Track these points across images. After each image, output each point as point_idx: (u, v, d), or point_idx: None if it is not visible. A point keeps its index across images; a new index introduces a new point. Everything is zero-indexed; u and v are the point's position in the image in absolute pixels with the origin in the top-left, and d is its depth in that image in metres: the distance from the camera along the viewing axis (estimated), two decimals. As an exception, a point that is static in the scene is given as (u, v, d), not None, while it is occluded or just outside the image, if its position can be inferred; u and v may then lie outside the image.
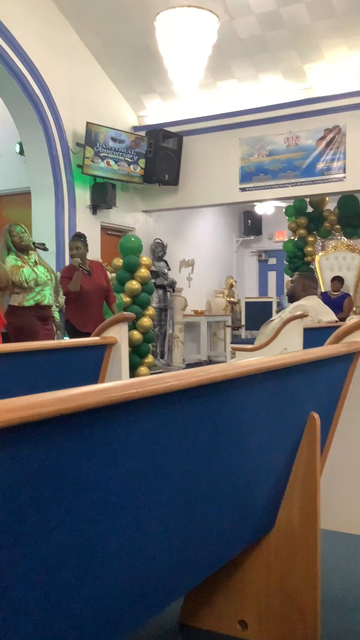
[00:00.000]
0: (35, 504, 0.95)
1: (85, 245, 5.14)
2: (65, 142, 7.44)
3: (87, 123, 7.43)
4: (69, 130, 7.48)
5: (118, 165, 7.81)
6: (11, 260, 4.38)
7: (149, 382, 1.11)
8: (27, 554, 0.95)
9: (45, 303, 4.49)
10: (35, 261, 4.51)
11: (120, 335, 2.48)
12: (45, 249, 4.66)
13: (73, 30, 7.58)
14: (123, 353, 2.45)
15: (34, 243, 4.57)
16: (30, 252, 4.50)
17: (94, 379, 2.32)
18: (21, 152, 7.79)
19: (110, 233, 8.35)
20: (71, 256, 5.20)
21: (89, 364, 2.34)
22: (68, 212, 7.49)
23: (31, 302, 4.42)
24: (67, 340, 3.04)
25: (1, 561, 0.92)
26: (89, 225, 7.66)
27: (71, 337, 4.99)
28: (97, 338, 2.46)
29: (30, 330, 4.36)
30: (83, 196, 7.73)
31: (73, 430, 0.99)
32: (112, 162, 7.75)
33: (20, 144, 7.71)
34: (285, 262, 9.72)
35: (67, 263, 6.61)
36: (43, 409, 0.92)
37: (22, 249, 4.46)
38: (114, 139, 7.75)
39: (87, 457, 1.03)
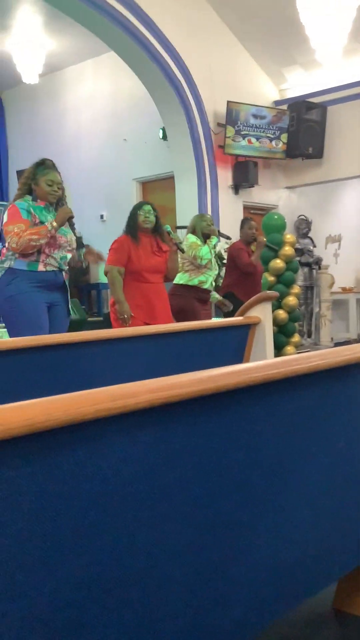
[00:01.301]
0: (179, 483, 0.95)
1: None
2: (207, 123, 7.46)
3: (228, 102, 7.38)
4: (209, 111, 7.48)
5: (260, 142, 7.70)
6: (192, 238, 4.62)
7: (292, 362, 1.07)
8: (173, 532, 0.96)
9: (206, 287, 4.65)
10: (215, 245, 4.71)
11: (264, 315, 2.44)
12: (228, 238, 5.04)
13: (210, 7, 7.53)
14: (267, 332, 2.41)
15: (219, 232, 4.84)
16: (212, 237, 4.68)
17: (239, 359, 2.31)
18: (164, 138, 7.92)
19: (253, 212, 8.27)
20: (250, 235, 5.52)
21: (233, 344, 2.33)
22: (210, 193, 7.52)
23: (195, 282, 4.58)
24: (210, 321, 3.06)
25: (148, 537, 0.93)
26: (231, 205, 7.64)
27: (234, 310, 5.16)
28: (240, 318, 2.44)
29: (192, 311, 4.51)
30: (225, 176, 7.71)
31: (214, 411, 0.98)
32: (253, 140, 7.65)
33: (163, 129, 7.85)
34: None
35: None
36: (183, 389, 0.91)
37: (204, 236, 4.64)
38: (255, 116, 7.64)
39: (228, 438, 1.01)
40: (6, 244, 3.20)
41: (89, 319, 7.83)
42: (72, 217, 3.26)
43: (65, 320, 3.36)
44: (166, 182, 8.14)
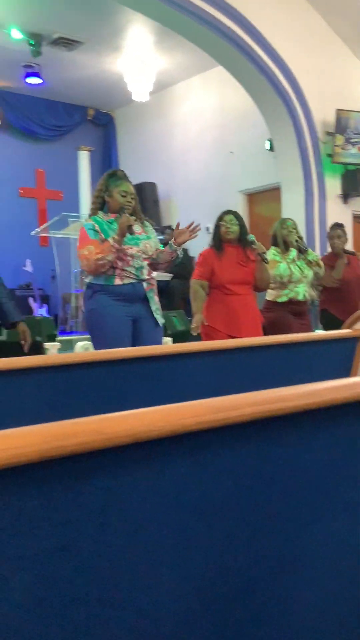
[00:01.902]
0: (282, 500, 0.93)
1: (345, 234, 5.10)
2: (315, 133, 7.34)
3: (337, 110, 7.23)
4: (318, 120, 7.36)
5: (370, 150, 7.47)
6: (270, 254, 4.43)
7: None
8: (272, 550, 0.93)
9: (299, 299, 4.46)
10: (293, 258, 4.48)
11: (374, 328, 2.34)
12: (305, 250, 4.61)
13: (319, 15, 7.43)
14: (377, 346, 2.31)
15: (297, 241, 4.51)
16: (291, 248, 4.49)
17: (344, 375, 2.23)
18: (271, 149, 7.88)
19: (363, 222, 8.02)
20: (331, 245, 5.15)
21: (336, 359, 2.26)
22: (318, 203, 7.38)
23: (284, 299, 4.42)
24: (314, 334, 2.97)
25: (247, 554, 0.91)
26: (340, 215, 7.45)
27: (328, 326, 4.92)
28: (347, 330, 2.36)
29: (284, 325, 4.38)
30: (333, 185, 7.54)
31: (321, 426, 0.95)
32: (363, 148, 7.44)
33: (270, 140, 7.81)
34: None
35: (318, 252, 6.50)
36: (287, 403, 0.89)
37: (286, 243, 4.48)
38: (365, 123, 7.42)
39: (338, 455, 0.97)
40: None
41: (195, 330, 7.85)
42: (130, 225, 3.13)
43: (156, 331, 3.28)
44: (272, 193, 8.08)
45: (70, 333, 7.71)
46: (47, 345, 5.32)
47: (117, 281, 3.15)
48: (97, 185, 3.33)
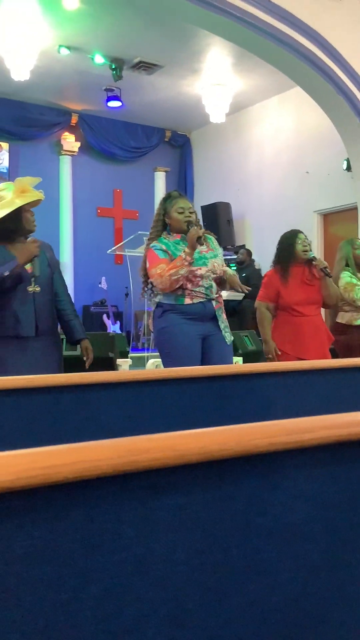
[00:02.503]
0: (355, 527, 0.90)
1: None
2: (394, 152, 7.19)
3: None
4: None
5: None
6: (346, 277, 4.32)
7: None
8: (349, 580, 0.91)
9: None
10: None
11: None
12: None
13: None
14: None
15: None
16: None
17: None
18: (348, 169, 7.78)
19: None
20: None
21: None
22: None
23: (358, 323, 4.30)
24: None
25: (322, 583, 0.89)
26: None
27: None
28: None
29: (357, 348, 4.26)
30: None
31: None
32: None
33: (348, 160, 7.71)
34: None
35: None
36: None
37: (358, 265, 4.36)
38: None
39: None
40: (155, 287, 3.25)
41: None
42: (200, 236, 3.11)
43: (226, 349, 3.26)
44: (349, 214, 7.94)
45: (142, 350, 7.80)
46: (119, 361, 5.40)
47: (187, 300, 3.16)
48: (155, 211, 3.39)
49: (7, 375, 2.57)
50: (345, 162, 7.92)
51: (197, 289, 3.17)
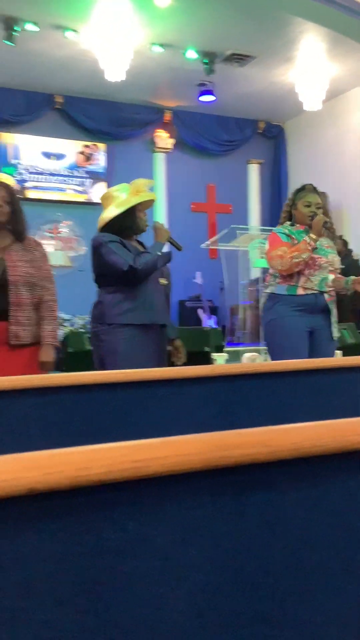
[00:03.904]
0: None
1: None
2: None
3: None
4: None
5: None
6: None
7: None
8: None
9: None
10: None
11: None
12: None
13: None
14: None
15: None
16: None
17: None
18: None
19: None
20: None
21: None
22: None
23: None
24: None
25: None
26: None
27: None
28: None
29: None
30: None
31: None
32: None
33: None
34: None
35: None
36: None
37: None
38: None
39: None
40: (271, 270, 3.27)
41: (366, 344, 7.56)
42: (326, 221, 3.16)
43: (330, 344, 3.26)
44: None
45: (238, 344, 7.77)
46: (214, 355, 5.41)
47: (300, 291, 3.17)
48: (286, 201, 3.43)
49: (133, 362, 2.66)
50: None
51: (313, 278, 3.17)
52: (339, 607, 0.80)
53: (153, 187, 3.27)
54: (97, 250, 2.98)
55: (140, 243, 3.17)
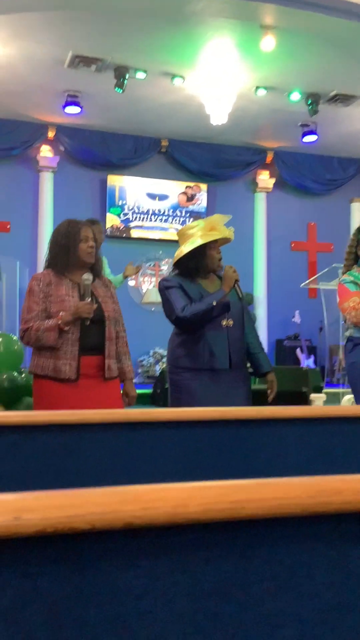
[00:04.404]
0: None
1: None
2: None
3: None
4: None
5: None
6: None
7: None
8: None
9: None
10: None
11: None
12: None
13: None
14: None
15: None
16: None
17: None
18: None
19: None
20: None
21: None
22: None
23: None
24: None
25: None
26: None
27: None
28: None
29: None
30: None
31: None
32: None
33: None
34: None
35: None
36: None
37: None
38: None
39: None
40: (347, 322, 3.20)
41: None
42: None
43: None
44: None
45: (337, 385, 7.55)
46: (312, 396, 5.28)
47: None
48: (349, 242, 3.31)
49: (198, 404, 2.65)
50: None
51: None
52: None
53: (229, 224, 3.13)
54: (160, 294, 3.01)
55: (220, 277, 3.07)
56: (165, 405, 5.01)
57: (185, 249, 2.95)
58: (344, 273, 3.30)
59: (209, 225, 2.97)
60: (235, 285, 2.92)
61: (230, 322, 2.93)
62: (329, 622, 0.71)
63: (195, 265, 2.95)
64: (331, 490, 0.69)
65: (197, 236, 2.94)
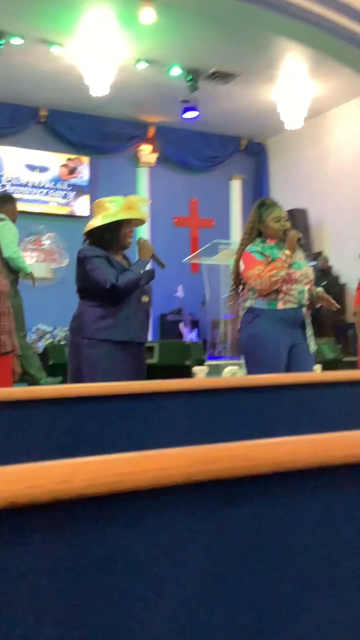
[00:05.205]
0: None
1: None
2: None
3: None
4: None
5: None
6: None
7: None
8: None
9: None
10: None
11: None
12: None
13: None
14: None
15: None
16: None
17: None
18: None
19: None
20: None
21: None
22: None
23: None
24: None
25: None
26: None
27: None
28: None
29: None
30: None
31: None
32: None
33: None
34: None
35: None
36: None
37: None
38: None
39: None
40: (248, 289, 3.27)
41: (344, 358, 7.63)
42: (300, 238, 3.20)
43: (309, 358, 3.28)
44: None
45: (219, 358, 7.79)
46: (195, 369, 5.42)
47: (280, 305, 3.19)
48: (249, 218, 3.42)
49: (111, 378, 2.66)
50: None
51: (291, 293, 3.20)
52: (320, 621, 0.80)
53: (146, 208, 3.20)
54: (82, 263, 2.99)
55: (126, 258, 3.17)
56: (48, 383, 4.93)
57: (101, 220, 3.00)
58: (242, 247, 3.36)
59: (128, 204, 3.05)
60: (154, 256, 3.07)
61: (146, 299, 3.06)
62: (210, 583, 0.74)
63: (110, 237, 2.99)
64: (211, 458, 0.72)
65: (114, 210, 3.01)
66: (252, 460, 0.73)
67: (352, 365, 6.98)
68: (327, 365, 5.78)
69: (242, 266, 3.28)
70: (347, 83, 8.08)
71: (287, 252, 3.16)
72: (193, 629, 0.74)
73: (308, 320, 3.28)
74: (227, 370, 5.64)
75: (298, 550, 0.79)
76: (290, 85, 8.24)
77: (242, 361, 6.50)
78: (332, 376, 2.08)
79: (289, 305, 3.19)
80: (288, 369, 3.16)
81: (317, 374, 3.30)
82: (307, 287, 3.25)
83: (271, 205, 3.34)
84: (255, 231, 3.34)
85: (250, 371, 3.25)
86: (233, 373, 5.39)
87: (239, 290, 3.36)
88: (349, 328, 8.79)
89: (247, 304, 3.27)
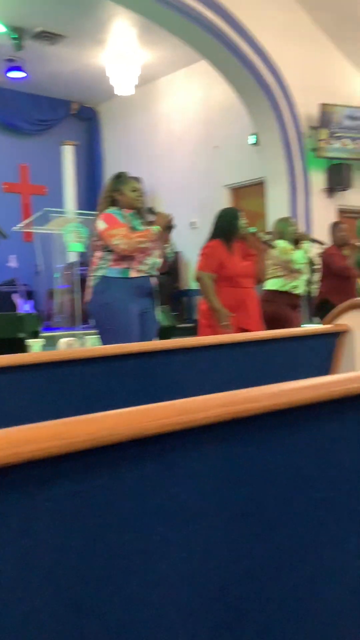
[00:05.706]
0: (250, 502, 0.92)
1: None
2: (299, 127, 7.33)
3: (321, 104, 7.23)
4: (302, 114, 7.35)
5: (355, 144, 7.48)
6: (281, 243, 4.52)
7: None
8: (245, 552, 0.92)
9: (298, 292, 4.53)
10: (307, 250, 4.66)
11: (355, 322, 2.33)
12: (322, 244, 5.17)
13: (303, 10, 7.41)
14: (357, 342, 2.30)
15: (312, 238, 4.89)
16: (305, 241, 4.62)
17: (324, 371, 2.22)
18: (256, 143, 7.87)
19: (347, 215, 8.04)
20: (340, 238, 5.41)
21: (320, 354, 2.25)
22: (303, 197, 7.38)
23: (288, 287, 4.48)
24: (296, 329, 2.97)
25: (219, 556, 0.89)
26: (325, 209, 7.46)
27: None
28: (328, 325, 2.35)
29: (283, 318, 4.39)
30: (318, 180, 7.55)
31: (288, 427, 0.93)
32: (348, 142, 7.45)
33: (255, 135, 7.79)
34: None
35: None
36: (254, 404, 0.87)
37: (296, 240, 4.62)
38: (350, 117, 7.43)
39: (303, 456, 0.96)
40: (99, 253, 3.26)
41: (180, 325, 7.88)
42: (170, 220, 3.35)
43: (154, 326, 3.39)
44: (256, 188, 8.08)
45: (55, 329, 7.66)
46: (29, 342, 5.28)
47: (133, 274, 3.22)
48: (105, 187, 3.47)
49: None
50: (252, 137, 8.01)
51: (145, 262, 3.25)
52: (140, 587, 0.82)
53: None
54: None
55: None
56: None
57: None
58: (100, 213, 3.33)
59: None
60: None
61: None
62: (25, 567, 0.73)
63: None
64: (22, 440, 0.70)
65: None
66: (66, 439, 0.72)
67: (186, 332, 7.24)
68: (163, 332, 5.91)
69: (102, 226, 3.23)
70: (176, 52, 8.19)
71: (160, 228, 3.26)
72: (8, 612, 0.72)
73: (156, 289, 3.37)
74: (63, 341, 5.57)
75: (116, 521, 0.80)
76: (119, 51, 8.15)
77: (78, 331, 6.45)
78: (180, 343, 2.13)
79: (142, 274, 3.25)
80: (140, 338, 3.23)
81: (167, 341, 3.36)
82: (159, 260, 3.35)
83: (129, 177, 3.42)
84: (110, 200, 3.36)
85: (104, 341, 3.23)
86: (69, 344, 5.33)
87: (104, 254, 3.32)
88: (183, 295, 9.08)
89: (100, 272, 3.24)
